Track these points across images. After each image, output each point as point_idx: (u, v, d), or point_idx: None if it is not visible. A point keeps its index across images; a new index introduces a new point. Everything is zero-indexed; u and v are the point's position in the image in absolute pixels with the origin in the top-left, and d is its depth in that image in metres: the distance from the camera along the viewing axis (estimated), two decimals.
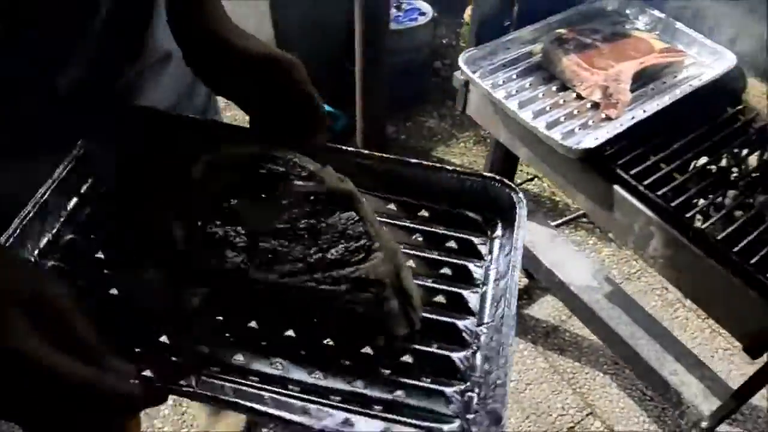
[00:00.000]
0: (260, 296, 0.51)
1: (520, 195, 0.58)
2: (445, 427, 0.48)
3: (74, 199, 0.57)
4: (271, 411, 0.46)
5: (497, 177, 0.59)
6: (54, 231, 0.55)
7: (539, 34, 1.18)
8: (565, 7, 1.23)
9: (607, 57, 1.10)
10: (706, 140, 1.07)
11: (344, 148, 0.60)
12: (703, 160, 1.06)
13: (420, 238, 0.59)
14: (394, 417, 0.48)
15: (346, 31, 1.93)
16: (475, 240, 0.59)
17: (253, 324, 0.51)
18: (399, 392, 0.50)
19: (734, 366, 1.78)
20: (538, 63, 1.14)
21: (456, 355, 0.52)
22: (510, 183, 0.59)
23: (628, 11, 1.27)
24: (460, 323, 0.54)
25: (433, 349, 0.52)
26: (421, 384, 0.50)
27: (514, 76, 1.12)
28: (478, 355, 0.52)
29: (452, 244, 0.59)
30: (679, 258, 0.93)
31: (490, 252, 0.59)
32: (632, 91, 1.09)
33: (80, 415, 0.39)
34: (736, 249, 0.88)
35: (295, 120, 0.57)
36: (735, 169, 1.08)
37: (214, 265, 0.51)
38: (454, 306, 0.55)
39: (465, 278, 0.57)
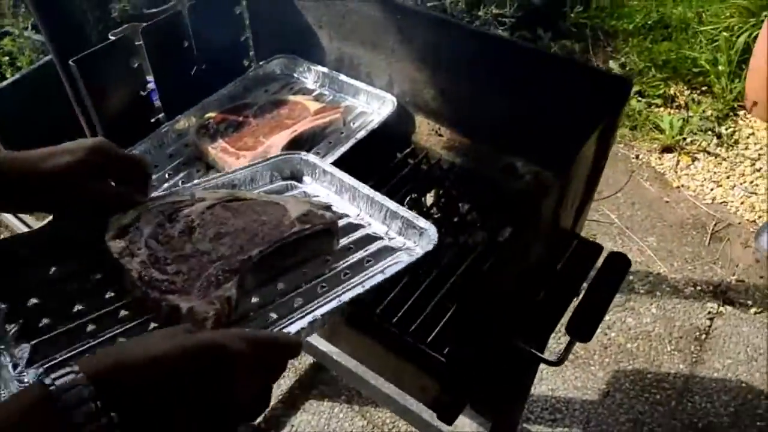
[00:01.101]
0: (256, 268, 0.72)
1: (301, 153, 0.93)
2: (404, 256, 0.79)
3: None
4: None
5: (287, 153, 0.94)
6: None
7: (196, 119, 1.09)
8: (228, 80, 1.16)
9: (258, 133, 1.03)
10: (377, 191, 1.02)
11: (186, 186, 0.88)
12: None
13: None
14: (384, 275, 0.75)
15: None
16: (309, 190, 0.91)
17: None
18: (372, 267, 0.78)
19: None
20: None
21: (369, 231, 0.83)
22: (300, 153, 0.93)
23: (296, 73, 1.22)
24: (350, 220, 0.85)
25: (356, 237, 0.82)
26: (367, 254, 0.79)
27: (167, 175, 1.02)
28: (375, 224, 0.85)
29: None
30: (352, 337, 0.87)
31: (316, 191, 0.91)
32: None
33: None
34: (393, 321, 0.83)
35: (133, 177, 0.75)
36: None
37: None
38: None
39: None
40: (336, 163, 0.99)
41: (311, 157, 0.92)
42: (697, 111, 2.57)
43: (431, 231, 0.79)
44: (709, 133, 2.51)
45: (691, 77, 2.72)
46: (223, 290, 0.67)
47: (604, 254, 1.01)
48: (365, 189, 0.86)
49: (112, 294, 0.70)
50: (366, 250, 0.80)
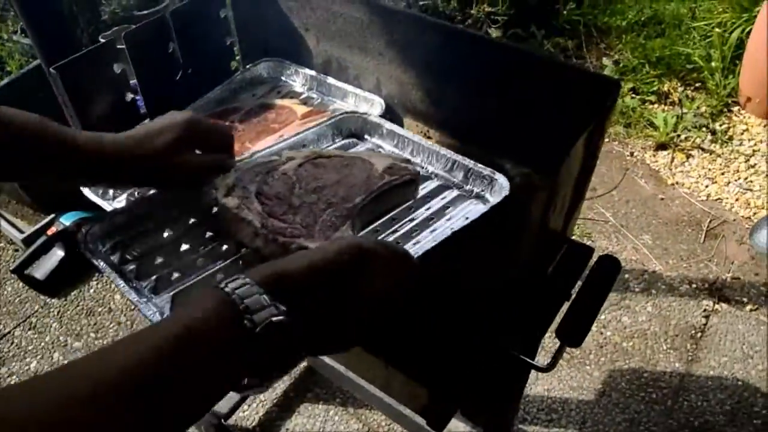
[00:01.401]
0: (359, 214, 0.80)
1: (366, 114, 1.02)
2: (478, 205, 0.88)
3: None
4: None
5: (350, 111, 1.03)
6: None
7: None
8: (214, 84, 1.14)
9: (244, 138, 1.02)
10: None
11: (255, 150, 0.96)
12: None
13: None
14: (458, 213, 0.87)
15: None
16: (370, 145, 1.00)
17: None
18: (451, 213, 0.87)
19: None
20: None
21: (440, 182, 0.91)
22: (358, 112, 1.03)
23: (283, 76, 1.20)
24: (419, 167, 0.92)
25: (431, 188, 0.90)
26: (445, 201, 0.88)
27: None
28: (443, 175, 0.93)
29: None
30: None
31: (379, 146, 0.99)
32: None
33: None
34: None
35: (221, 145, 0.84)
36: None
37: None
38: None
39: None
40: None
41: (370, 116, 1.00)
42: (691, 107, 2.56)
43: (501, 179, 0.87)
44: (704, 129, 2.51)
45: (685, 73, 2.72)
46: (341, 232, 0.75)
47: (599, 253, 1.00)
48: (427, 143, 0.94)
49: (227, 247, 0.79)
50: (443, 198, 0.89)
